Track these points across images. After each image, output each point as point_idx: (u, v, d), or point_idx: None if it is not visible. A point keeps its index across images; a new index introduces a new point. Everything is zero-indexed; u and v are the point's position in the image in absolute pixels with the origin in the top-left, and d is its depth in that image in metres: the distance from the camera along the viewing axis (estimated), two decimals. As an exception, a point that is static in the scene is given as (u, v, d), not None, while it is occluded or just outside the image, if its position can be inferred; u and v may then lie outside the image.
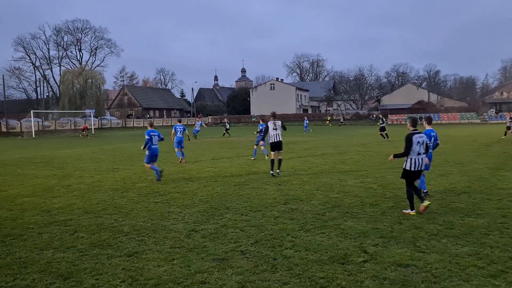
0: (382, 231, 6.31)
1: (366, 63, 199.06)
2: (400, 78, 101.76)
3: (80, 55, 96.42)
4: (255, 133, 18.77)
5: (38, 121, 51.36)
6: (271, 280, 4.57)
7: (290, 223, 6.86)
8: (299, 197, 8.95)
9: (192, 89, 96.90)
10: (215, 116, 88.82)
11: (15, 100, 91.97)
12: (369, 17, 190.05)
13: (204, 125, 36.16)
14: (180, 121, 17.55)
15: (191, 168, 14.21)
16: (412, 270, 4.77)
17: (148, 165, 11.77)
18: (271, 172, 12.03)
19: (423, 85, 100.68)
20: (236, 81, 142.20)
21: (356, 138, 29.80)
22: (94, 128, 53.55)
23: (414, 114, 65.83)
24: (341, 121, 58.59)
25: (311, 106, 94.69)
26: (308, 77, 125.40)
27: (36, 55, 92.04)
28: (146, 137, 11.63)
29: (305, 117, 53.44)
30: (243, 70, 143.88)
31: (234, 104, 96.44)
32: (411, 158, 7.26)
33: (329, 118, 68.60)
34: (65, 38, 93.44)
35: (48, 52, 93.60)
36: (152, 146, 11.70)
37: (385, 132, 28.06)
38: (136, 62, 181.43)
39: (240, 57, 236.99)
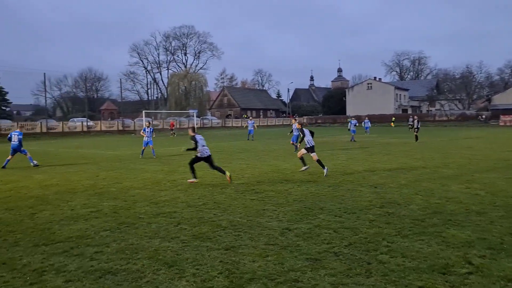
0: (490, 242, 5.81)
1: (474, 59, 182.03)
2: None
3: (185, 59, 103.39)
4: (289, 133, 22.11)
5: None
6: (365, 284, 4.49)
7: (386, 228, 6.65)
8: (396, 201, 8.60)
9: (288, 89, 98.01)
10: (310, 116, 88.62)
11: (130, 101, 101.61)
12: (479, 9, 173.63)
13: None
14: (148, 125, 20.21)
15: (286, 168, 14.41)
16: (525, 287, 4.34)
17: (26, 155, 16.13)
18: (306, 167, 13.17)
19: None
20: (332, 81, 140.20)
21: (461, 141, 27.56)
22: (197, 127, 56.81)
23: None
24: (410, 122, 45.61)
25: (411, 106, 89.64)
26: (409, 76, 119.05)
27: (148, 60, 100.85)
28: (9, 136, 16.42)
29: (366, 117, 44.17)
30: (339, 70, 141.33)
31: (329, 104, 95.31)
32: (200, 150, 11.22)
33: (393, 119, 64.39)
34: (173, 43, 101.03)
35: (158, 57, 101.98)
36: (12, 143, 16.00)
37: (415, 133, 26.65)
38: (235, 64, 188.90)
39: (336, 57, 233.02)
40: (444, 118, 72.96)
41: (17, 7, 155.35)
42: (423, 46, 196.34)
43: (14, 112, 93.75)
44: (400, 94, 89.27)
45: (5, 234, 6.64)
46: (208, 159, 11.43)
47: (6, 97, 68.67)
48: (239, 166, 15.11)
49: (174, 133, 44.23)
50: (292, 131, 21.44)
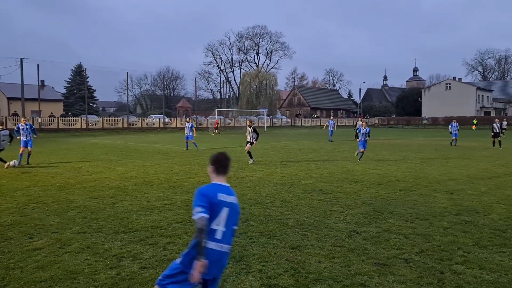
0: None
1: None
2: None
3: (257, 58, 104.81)
4: (356, 139, 17.99)
5: (220, 118, 57.88)
6: (437, 294, 4.30)
7: (462, 236, 6.28)
8: (474, 209, 8.08)
9: (360, 89, 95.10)
10: (382, 117, 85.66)
11: (203, 100, 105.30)
12: None
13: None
14: (189, 121, 22.70)
15: (355, 169, 14.11)
16: None
17: None
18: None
19: None
20: (407, 81, 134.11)
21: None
22: (266, 126, 57.62)
23: None
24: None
25: (495, 108, 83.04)
26: (493, 76, 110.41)
27: (221, 59, 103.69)
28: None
29: (454, 120, 28.67)
30: (415, 69, 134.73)
31: (403, 105, 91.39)
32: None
33: (475, 121, 58.99)
34: (246, 43, 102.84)
35: (231, 57, 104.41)
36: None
37: (498, 139, 24.02)
38: (306, 63, 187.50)
39: (412, 56, 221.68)
40: (498, 122, 66.41)
41: (104, 9, 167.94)
42: (510, 43, 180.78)
43: (100, 108, 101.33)
44: (482, 96, 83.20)
45: (90, 221, 7.24)
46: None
47: (93, 95, 74.25)
48: (307, 166, 15.05)
49: (218, 132, 45.00)
50: (357, 135, 17.92)
